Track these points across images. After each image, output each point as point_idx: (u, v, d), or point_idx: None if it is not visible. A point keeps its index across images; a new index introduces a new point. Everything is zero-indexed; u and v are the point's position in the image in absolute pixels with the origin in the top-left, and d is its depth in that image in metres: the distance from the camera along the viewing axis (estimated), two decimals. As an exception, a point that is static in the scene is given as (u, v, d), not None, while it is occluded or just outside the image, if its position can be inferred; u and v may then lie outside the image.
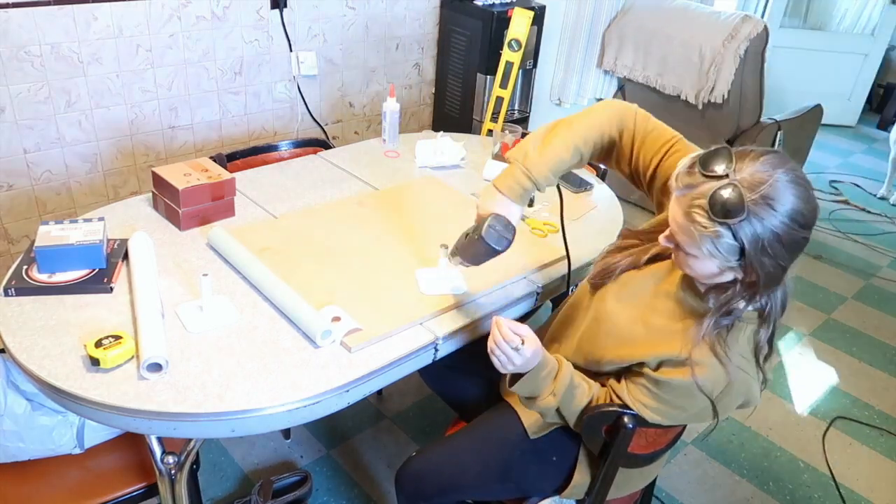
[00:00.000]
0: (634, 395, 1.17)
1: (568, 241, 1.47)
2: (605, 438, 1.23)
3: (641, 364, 1.16)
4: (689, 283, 1.15)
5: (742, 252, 0.97)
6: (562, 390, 1.19)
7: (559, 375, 1.19)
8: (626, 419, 1.17)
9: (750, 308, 1.08)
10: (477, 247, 1.26)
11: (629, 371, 1.20)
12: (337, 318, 1.28)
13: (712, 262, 1.01)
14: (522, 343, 1.11)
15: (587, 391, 1.22)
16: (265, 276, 1.36)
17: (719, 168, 0.97)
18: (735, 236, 0.96)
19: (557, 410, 1.23)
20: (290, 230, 1.58)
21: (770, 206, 0.94)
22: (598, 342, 1.24)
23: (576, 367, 1.27)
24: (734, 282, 1.05)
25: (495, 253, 1.25)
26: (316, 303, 1.31)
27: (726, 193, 0.94)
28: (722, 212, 0.95)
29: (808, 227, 0.98)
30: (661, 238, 1.09)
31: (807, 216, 0.97)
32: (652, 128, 1.26)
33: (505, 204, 1.25)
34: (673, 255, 1.12)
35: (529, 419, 1.35)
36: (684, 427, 1.38)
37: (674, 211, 1.03)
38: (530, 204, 1.82)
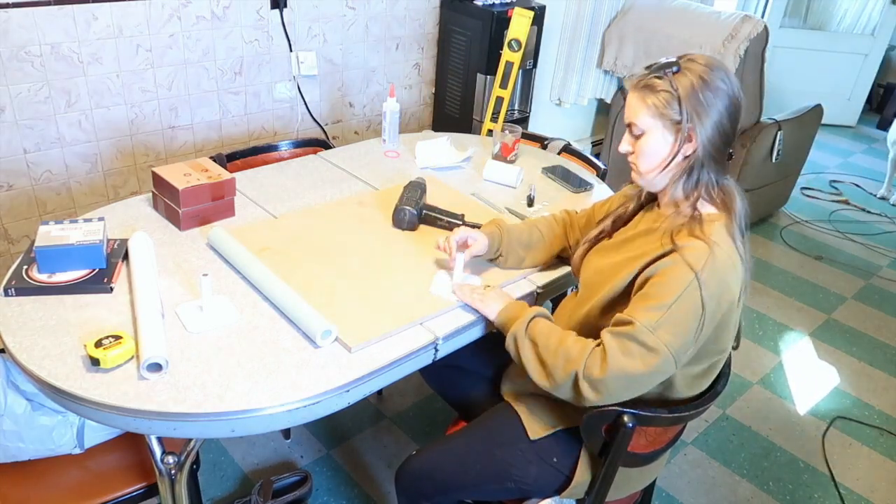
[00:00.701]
0: (628, 310, 1.16)
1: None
2: (605, 438, 1.23)
3: (630, 285, 1.20)
4: (653, 210, 1.28)
5: (680, 102, 1.14)
6: (531, 313, 1.29)
7: (530, 308, 1.31)
8: (625, 418, 1.17)
9: (711, 209, 1.19)
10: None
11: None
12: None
13: (657, 128, 1.17)
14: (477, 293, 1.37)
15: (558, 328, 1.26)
16: (265, 276, 1.36)
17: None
18: (672, 85, 1.14)
19: (533, 343, 1.24)
20: (290, 230, 1.58)
21: (696, 62, 1.16)
22: (590, 298, 1.27)
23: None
24: (677, 155, 1.18)
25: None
26: (316, 303, 1.31)
27: (667, 61, 1.18)
28: (661, 67, 1.17)
29: (734, 89, 1.16)
30: (620, 147, 1.24)
31: (727, 77, 1.16)
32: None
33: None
34: (631, 165, 1.24)
35: (530, 420, 1.35)
36: (684, 427, 1.38)
37: (628, 102, 1.21)
38: (530, 204, 1.82)
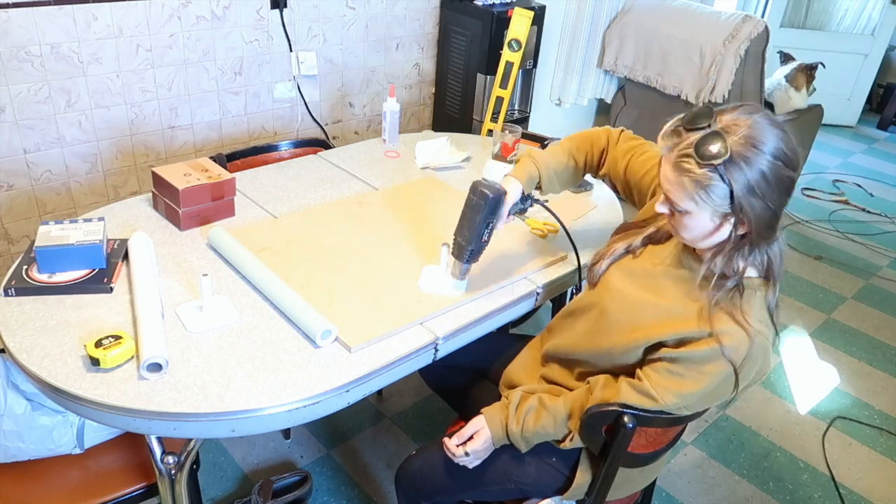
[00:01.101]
0: (656, 382, 1.15)
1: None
2: (605, 438, 1.23)
3: (659, 346, 1.15)
4: (689, 256, 1.18)
5: (732, 195, 1.01)
6: (518, 419, 1.27)
7: (509, 420, 1.28)
8: (626, 419, 1.17)
9: (754, 273, 1.12)
10: (469, 210, 1.32)
11: (646, 361, 1.19)
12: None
13: (704, 213, 1.05)
14: (467, 445, 1.28)
15: (541, 411, 1.27)
16: (265, 275, 1.35)
17: (701, 121, 1.03)
18: (723, 178, 1.00)
19: (534, 433, 1.27)
20: (290, 230, 1.58)
21: (752, 146, 1.00)
22: (608, 332, 1.23)
23: (578, 359, 1.30)
24: (729, 238, 1.08)
25: (488, 207, 1.30)
26: (316, 303, 1.31)
27: (710, 138, 1.00)
28: (708, 155, 1.00)
29: (791, 164, 1.02)
30: (657, 205, 1.13)
31: (788, 153, 1.02)
32: (626, 138, 1.47)
33: (510, 181, 1.40)
34: (669, 224, 1.16)
35: None
36: (684, 427, 1.38)
37: (664, 170, 1.08)
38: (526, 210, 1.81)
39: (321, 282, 1.40)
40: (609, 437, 1.22)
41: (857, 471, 2.14)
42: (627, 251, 1.29)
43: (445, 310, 1.36)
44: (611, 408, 1.18)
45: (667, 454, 1.40)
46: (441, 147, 2.03)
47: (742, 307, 1.09)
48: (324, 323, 1.23)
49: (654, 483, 1.52)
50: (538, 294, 1.50)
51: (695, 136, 1.02)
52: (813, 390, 2.47)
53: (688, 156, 1.02)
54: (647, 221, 1.31)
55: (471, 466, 1.31)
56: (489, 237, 1.36)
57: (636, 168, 1.41)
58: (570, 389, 1.30)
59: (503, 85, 2.81)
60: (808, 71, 3.37)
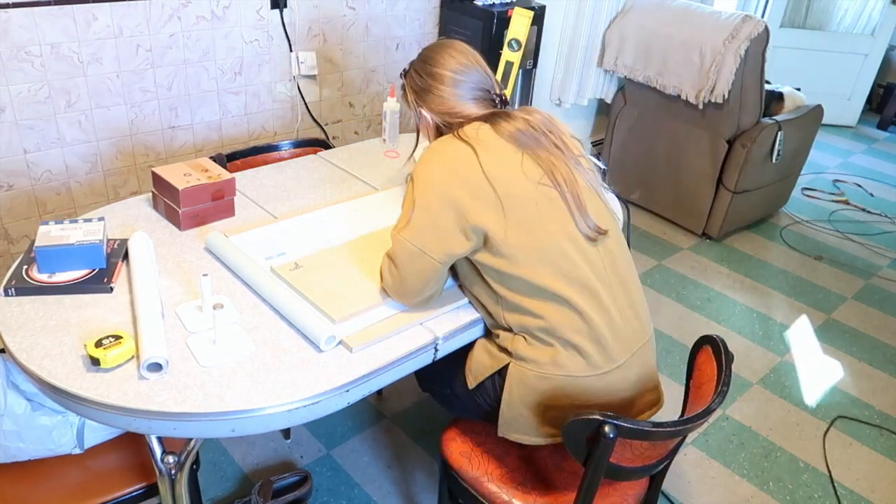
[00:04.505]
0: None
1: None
2: (587, 448, 1.20)
3: None
4: None
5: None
6: None
7: None
8: (606, 428, 1.13)
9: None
10: None
11: None
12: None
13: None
14: None
15: None
16: (266, 281, 1.35)
17: None
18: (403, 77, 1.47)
19: None
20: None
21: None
22: None
23: None
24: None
25: None
26: (326, 306, 1.31)
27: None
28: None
29: (427, 61, 1.41)
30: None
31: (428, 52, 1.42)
32: None
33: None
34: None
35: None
36: (680, 442, 1.37)
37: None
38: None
39: (323, 282, 1.40)
40: (590, 447, 1.19)
41: (857, 471, 2.14)
42: None
43: (445, 310, 1.36)
44: (592, 416, 1.14)
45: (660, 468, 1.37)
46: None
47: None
48: (328, 328, 1.23)
49: (661, 480, 1.51)
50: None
51: None
52: (813, 390, 2.47)
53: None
54: None
55: None
56: None
57: None
58: None
59: (503, 85, 2.81)
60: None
